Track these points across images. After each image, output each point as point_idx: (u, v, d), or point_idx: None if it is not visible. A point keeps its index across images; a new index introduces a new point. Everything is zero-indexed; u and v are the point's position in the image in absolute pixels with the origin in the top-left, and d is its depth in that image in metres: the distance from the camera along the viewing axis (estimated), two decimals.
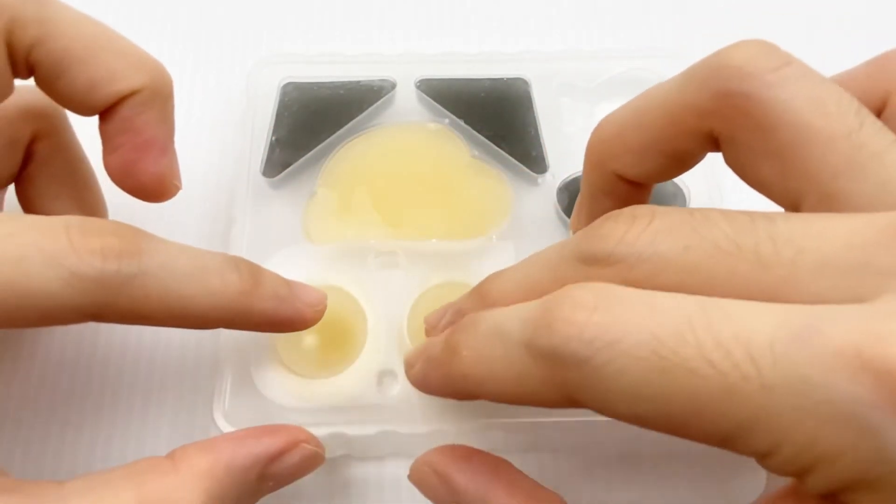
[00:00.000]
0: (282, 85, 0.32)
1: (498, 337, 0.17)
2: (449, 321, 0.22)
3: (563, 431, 0.25)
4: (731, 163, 0.19)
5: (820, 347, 0.13)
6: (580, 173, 0.24)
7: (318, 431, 0.24)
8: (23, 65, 0.22)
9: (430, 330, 0.23)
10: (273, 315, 0.22)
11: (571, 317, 0.15)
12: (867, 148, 0.16)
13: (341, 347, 0.25)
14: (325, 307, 0.23)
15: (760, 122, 0.17)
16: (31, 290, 0.18)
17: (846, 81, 0.22)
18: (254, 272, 0.21)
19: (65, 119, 0.26)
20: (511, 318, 0.17)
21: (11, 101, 0.23)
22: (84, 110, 0.23)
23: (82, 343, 0.28)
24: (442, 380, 0.20)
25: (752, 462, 0.15)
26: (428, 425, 0.24)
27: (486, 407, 0.24)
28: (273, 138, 0.30)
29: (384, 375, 0.25)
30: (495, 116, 0.31)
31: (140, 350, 0.28)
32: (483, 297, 0.20)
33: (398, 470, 0.26)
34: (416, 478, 0.21)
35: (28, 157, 0.25)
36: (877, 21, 0.38)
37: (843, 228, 0.15)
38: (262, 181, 0.29)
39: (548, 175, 0.30)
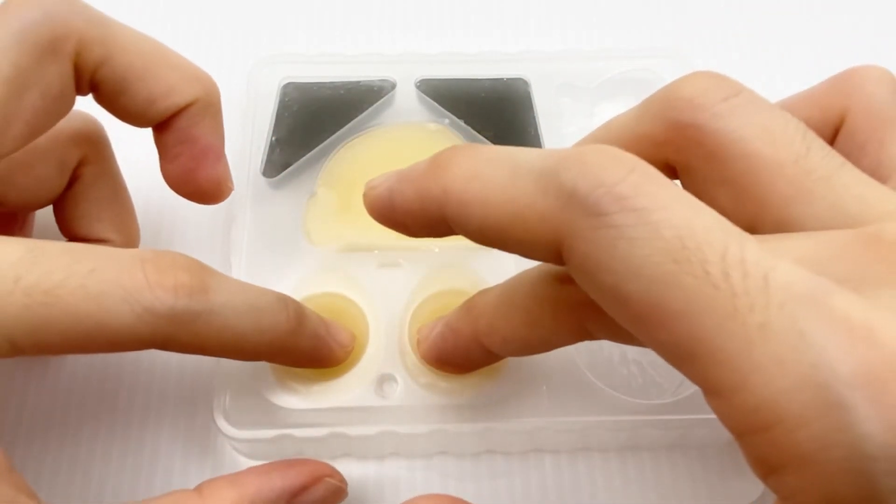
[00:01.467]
0: (282, 85, 0.32)
1: (507, 161, 0.16)
2: (439, 333, 0.23)
3: (563, 432, 0.25)
4: (689, 189, 0.19)
5: (825, 312, 0.12)
6: None
7: (319, 431, 0.24)
8: (87, 83, 0.22)
9: (423, 341, 0.24)
10: (311, 354, 0.23)
11: (609, 166, 0.14)
12: (815, 172, 0.17)
13: None
14: (353, 347, 0.25)
15: (712, 151, 0.18)
16: (106, 323, 0.18)
17: (807, 98, 0.23)
18: (299, 313, 0.22)
19: (109, 145, 0.27)
20: (526, 151, 0.16)
21: (64, 125, 0.24)
22: (142, 122, 0.23)
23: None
24: (414, 194, 0.18)
25: None
26: (428, 425, 0.24)
27: (486, 408, 0.24)
28: (273, 138, 0.30)
29: (385, 380, 0.25)
30: (495, 116, 0.31)
31: (141, 356, 0.28)
32: (469, 310, 0.21)
33: (398, 470, 0.26)
34: None
35: (73, 179, 0.26)
36: (878, 21, 0.38)
37: (801, 244, 0.15)
38: (262, 181, 0.29)
39: None
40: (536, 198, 0.15)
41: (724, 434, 0.25)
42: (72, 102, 0.23)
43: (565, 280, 0.18)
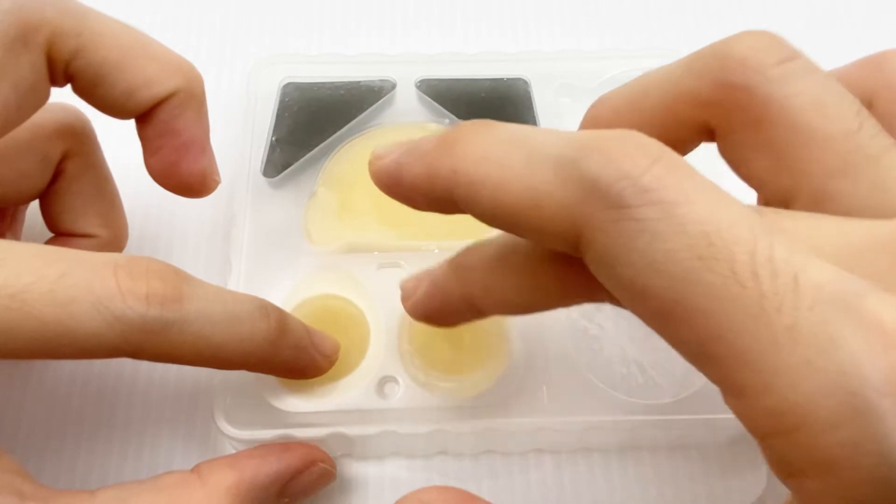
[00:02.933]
0: (282, 85, 0.32)
1: (524, 144, 0.15)
2: (426, 292, 0.21)
3: (563, 432, 0.25)
4: (726, 155, 0.19)
5: (856, 315, 0.12)
6: None
7: (319, 432, 0.24)
8: (61, 75, 0.22)
9: (408, 298, 0.22)
10: (292, 364, 0.23)
11: (633, 156, 0.14)
12: (863, 150, 0.16)
13: (343, 354, 0.25)
14: (338, 357, 0.24)
15: (759, 117, 0.17)
16: (75, 330, 0.18)
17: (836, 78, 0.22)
18: (280, 321, 0.22)
19: (95, 138, 0.26)
20: (542, 133, 0.16)
21: (46, 118, 0.24)
22: (121, 115, 0.23)
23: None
24: (424, 172, 0.17)
25: (753, 460, 0.15)
26: (428, 425, 0.24)
27: (486, 408, 0.24)
28: (273, 138, 0.30)
29: (385, 381, 0.25)
30: (495, 116, 0.30)
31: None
32: (457, 269, 0.20)
33: (398, 470, 0.26)
34: None
35: (58, 173, 0.26)
36: (878, 21, 0.38)
37: (845, 231, 0.15)
38: (262, 181, 0.29)
39: None
40: (555, 187, 0.14)
41: (724, 434, 0.25)
42: (46, 94, 0.22)
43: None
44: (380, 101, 0.31)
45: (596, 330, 0.27)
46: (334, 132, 0.31)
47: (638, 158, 0.14)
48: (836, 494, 0.12)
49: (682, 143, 0.20)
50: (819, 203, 0.16)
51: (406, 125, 0.31)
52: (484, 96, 0.32)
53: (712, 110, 0.18)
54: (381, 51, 0.35)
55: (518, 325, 0.26)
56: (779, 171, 0.17)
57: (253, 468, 0.21)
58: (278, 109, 0.31)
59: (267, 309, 0.21)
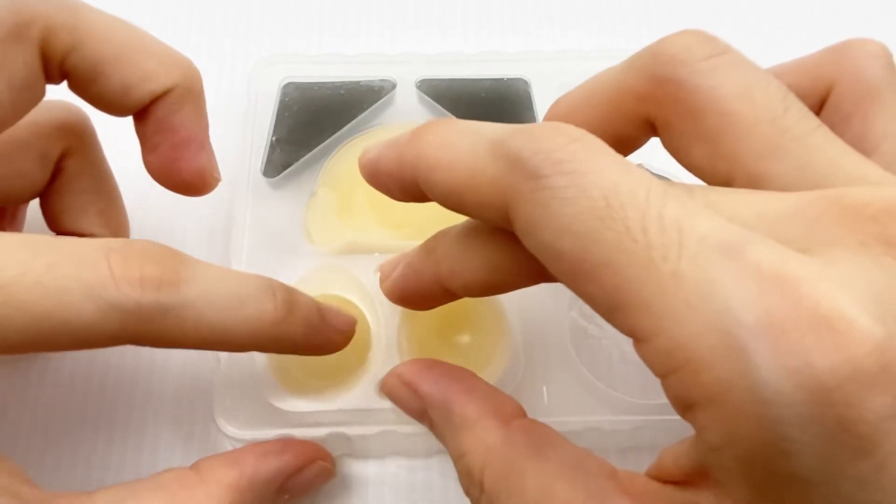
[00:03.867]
0: (282, 85, 0.32)
1: (471, 132, 0.17)
2: (401, 273, 0.22)
3: (563, 432, 0.25)
4: (667, 146, 0.20)
5: (738, 262, 0.13)
6: None
7: (319, 431, 0.24)
8: (56, 71, 0.22)
9: (385, 279, 0.22)
10: (305, 342, 0.22)
11: (552, 136, 0.16)
12: (790, 132, 0.17)
13: (343, 354, 0.25)
14: (354, 331, 0.23)
15: (690, 107, 0.18)
16: (68, 320, 0.17)
17: (798, 65, 0.23)
18: (288, 299, 0.21)
19: (94, 136, 0.26)
20: (494, 124, 0.17)
21: (45, 116, 0.23)
22: (118, 111, 0.23)
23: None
24: (394, 159, 0.19)
25: None
26: None
27: None
28: (273, 138, 0.30)
29: None
30: (495, 116, 0.31)
31: (140, 355, 0.28)
32: (429, 252, 0.21)
33: (398, 470, 0.26)
34: (388, 389, 0.22)
35: (57, 172, 0.25)
36: (878, 29, 0.38)
37: (757, 204, 0.15)
38: (262, 181, 0.29)
39: None
40: (488, 164, 0.16)
41: None
42: (41, 92, 0.22)
43: None
44: (380, 101, 0.31)
45: (596, 330, 0.27)
46: (334, 132, 0.31)
47: (556, 138, 0.15)
48: (718, 428, 0.13)
49: (629, 137, 0.21)
50: (753, 185, 0.17)
51: (406, 125, 0.31)
52: (484, 96, 0.32)
53: (650, 104, 0.19)
54: (381, 51, 0.35)
55: (518, 326, 0.26)
56: (714, 159, 0.18)
57: (252, 465, 0.21)
58: (278, 109, 0.31)
59: (273, 288, 0.21)
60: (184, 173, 0.23)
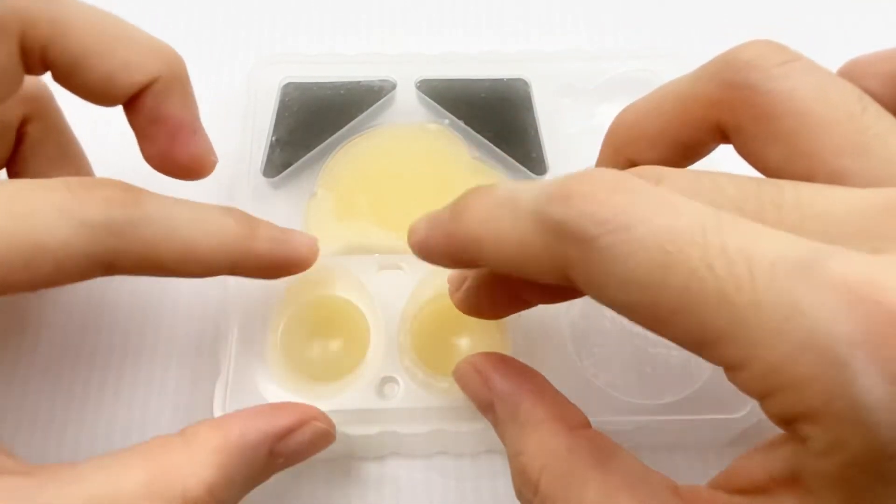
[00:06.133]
0: (282, 85, 0.32)
1: (510, 202, 0.17)
2: (469, 284, 0.22)
3: None
4: (741, 151, 0.20)
5: (818, 278, 0.13)
6: None
7: None
8: (38, 63, 0.22)
9: (453, 292, 0.23)
10: (272, 255, 0.23)
11: (591, 194, 0.15)
12: (870, 130, 0.17)
13: (343, 354, 0.25)
14: (319, 249, 0.24)
15: (766, 110, 0.19)
16: (44, 241, 0.18)
17: (880, 57, 0.23)
18: (248, 218, 0.22)
19: (53, 100, 0.26)
20: (527, 189, 0.17)
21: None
22: (104, 101, 0.23)
23: (86, 332, 0.28)
24: (443, 239, 0.19)
25: None
26: (428, 425, 0.24)
27: None
28: (273, 138, 0.30)
29: (385, 382, 0.25)
30: (495, 117, 0.31)
31: (141, 353, 0.28)
32: (457, 211, 0.20)
33: (398, 470, 0.26)
34: (459, 375, 0.22)
35: (19, 139, 0.25)
36: (877, 23, 0.38)
37: (848, 198, 0.15)
38: (262, 181, 0.29)
39: (548, 176, 0.30)
40: (535, 237, 0.16)
41: (724, 434, 0.25)
42: (19, 82, 0.22)
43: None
44: (380, 101, 0.31)
45: (596, 331, 0.27)
46: (334, 132, 0.31)
47: (595, 194, 0.15)
48: (824, 437, 0.13)
49: (698, 143, 0.21)
50: (834, 181, 0.17)
51: (406, 125, 0.31)
52: (484, 96, 0.32)
53: (722, 109, 0.20)
54: (381, 51, 0.35)
55: (518, 326, 0.26)
56: (792, 159, 0.18)
57: (240, 427, 0.20)
58: (278, 109, 0.31)
59: (229, 209, 0.22)
60: (180, 160, 0.24)
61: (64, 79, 0.22)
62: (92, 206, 0.19)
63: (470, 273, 0.22)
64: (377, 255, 0.27)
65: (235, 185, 0.29)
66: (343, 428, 0.24)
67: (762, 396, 0.14)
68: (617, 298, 0.15)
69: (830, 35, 0.37)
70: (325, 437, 0.22)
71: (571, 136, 0.31)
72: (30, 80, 0.25)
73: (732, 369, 0.14)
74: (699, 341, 0.14)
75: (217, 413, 0.24)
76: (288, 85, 0.32)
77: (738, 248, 0.14)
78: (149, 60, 0.23)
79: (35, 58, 0.22)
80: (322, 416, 0.22)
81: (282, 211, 0.29)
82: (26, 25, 0.21)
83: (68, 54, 0.22)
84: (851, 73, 0.19)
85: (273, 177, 0.29)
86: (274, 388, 0.24)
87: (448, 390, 0.24)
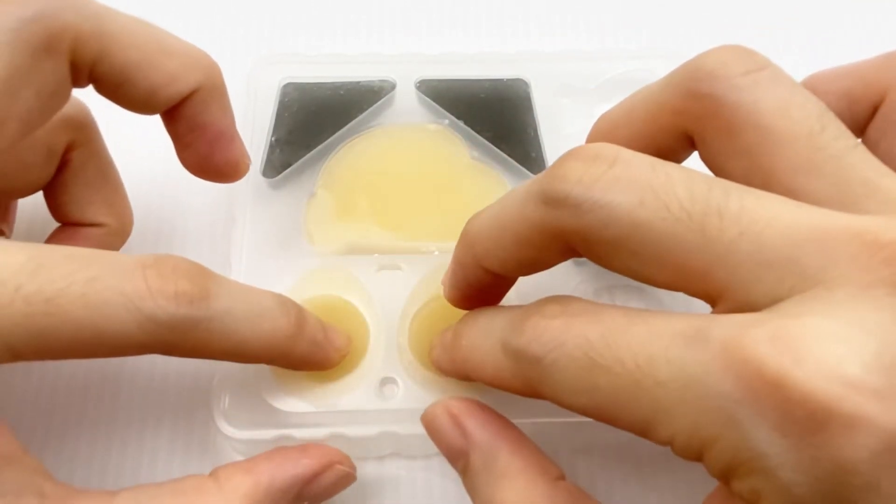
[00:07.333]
0: (282, 85, 0.32)
1: (485, 333, 0.20)
2: (450, 271, 0.23)
3: (563, 432, 0.25)
4: (706, 161, 0.20)
5: (703, 350, 0.15)
6: None
7: (319, 432, 0.24)
8: (85, 77, 0.22)
9: (444, 288, 0.23)
10: (308, 358, 0.23)
11: (537, 323, 0.18)
12: (826, 150, 0.17)
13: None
14: (348, 351, 0.25)
15: (727, 123, 0.18)
16: (107, 331, 0.19)
17: (852, 70, 0.23)
18: (299, 317, 0.22)
19: (97, 128, 0.27)
20: (497, 319, 0.20)
21: None
22: (145, 111, 0.23)
23: None
24: (449, 363, 0.23)
25: None
26: None
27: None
28: (273, 138, 0.30)
29: (385, 383, 0.25)
30: (495, 117, 0.31)
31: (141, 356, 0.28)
32: (465, 236, 0.21)
33: (398, 470, 0.26)
34: (430, 419, 0.22)
35: (63, 164, 0.26)
36: (877, 24, 0.38)
37: (787, 216, 0.16)
38: (262, 181, 0.29)
39: None
40: (504, 363, 0.19)
41: None
42: (67, 98, 0.23)
43: (550, 203, 0.18)
44: (380, 102, 0.31)
45: None
46: (334, 132, 0.31)
47: (539, 324, 0.18)
48: (745, 489, 0.15)
49: (669, 151, 0.21)
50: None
51: (406, 125, 0.31)
52: (484, 97, 0.32)
53: (687, 119, 0.20)
54: (381, 51, 0.35)
55: None
56: (751, 173, 0.18)
57: (270, 472, 0.21)
58: (278, 109, 0.31)
59: (287, 305, 0.22)
60: (219, 166, 0.25)
61: (109, 92, 0.23)
62: (162, 301, 0.19)
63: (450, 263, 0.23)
64: (377, 255, 0.28)
65: (235, 185, 0.29)
66: (343, 429, 0.24)
67: (699, 460, 0.15)
68: (573, 404, 0.17)
69: (830, 35, 0.37)
70: (347, 479, 0.23)
71: (571, 136, 0.31)
72: (76, 108, 0.26)
73: (670, 447, 0.16)
74: (641, 430, 0.16)
75: (218, 418, 0.24)
76: (287, 85, 0.32)
77: (640, 343, 0.16)
78: (191, 71, 0.23)
79: (83, 73, 0.22)
80: (346, 458, 0.23)
81: (282, 211, 0.29)
82: (77, 43, 0.21)
83: (115, 70, 0.22)
84: (811, 89, 0.19)
85: (273, 177, 0.29)
86: (274, 389, 0.24)
87: (448, 391, 0.24)
